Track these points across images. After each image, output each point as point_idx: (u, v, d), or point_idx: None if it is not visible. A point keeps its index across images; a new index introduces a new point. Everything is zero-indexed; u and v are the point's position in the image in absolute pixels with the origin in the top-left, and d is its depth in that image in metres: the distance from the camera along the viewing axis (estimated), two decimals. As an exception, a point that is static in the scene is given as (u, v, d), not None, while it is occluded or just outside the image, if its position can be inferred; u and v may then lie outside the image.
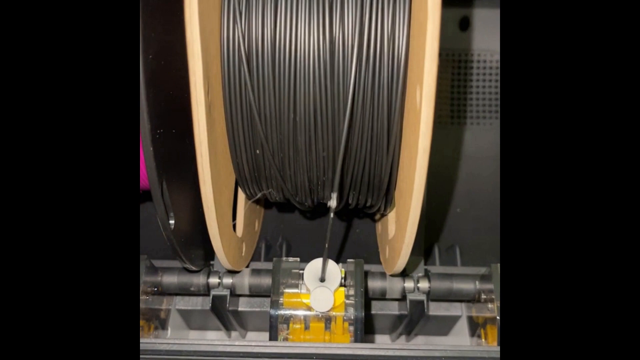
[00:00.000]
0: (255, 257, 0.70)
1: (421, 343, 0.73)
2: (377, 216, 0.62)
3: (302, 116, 0.48)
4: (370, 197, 0.56)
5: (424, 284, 0.61)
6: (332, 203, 0.46)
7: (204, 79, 0.43)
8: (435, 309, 0.66)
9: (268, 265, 0.65)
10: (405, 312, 0.63)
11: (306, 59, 0.46)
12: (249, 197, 0.60)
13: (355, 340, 0.53)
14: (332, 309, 0.53)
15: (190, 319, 0.72)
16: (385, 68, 0.46)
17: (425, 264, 0.64)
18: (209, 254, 0.65)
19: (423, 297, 0.62)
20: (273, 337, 0.54)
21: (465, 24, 0.79)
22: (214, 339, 0.73)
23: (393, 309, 0.66)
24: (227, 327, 0.71)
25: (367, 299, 0.63)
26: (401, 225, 0.48)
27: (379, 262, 0.67)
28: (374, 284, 0.62)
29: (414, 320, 0.64)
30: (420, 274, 0.62)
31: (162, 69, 0.44)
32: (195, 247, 0.59)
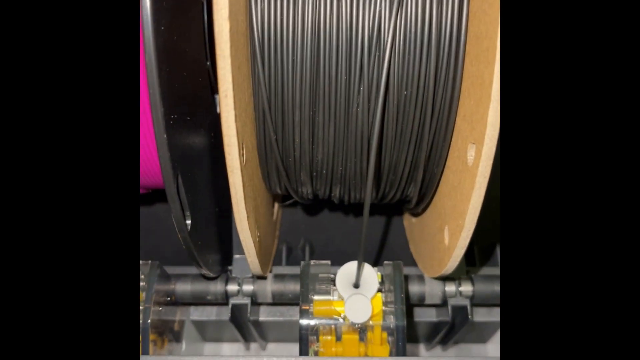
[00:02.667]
0: (276, 261, 0.64)
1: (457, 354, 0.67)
2: (417, 210, 0.56)
3: (335, 97, 0.42)
4: (407, 189, 0.50)
5: (466, 288, 0.55)
6: (367, 193, 0.40)
7: (231, 54, 0.36)
8: (476, 315, 0.60)
9: (291, 270, 0.59)
10: (447, 319, 0.56)
11: (348, 40, 0.40)
12: (272, 191, 0.54)
13: (397, 353, 0.47)
14: (370, 318, 0.47)
15: (206, 331, 0.66)
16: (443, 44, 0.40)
17: (465, 266, 0.58)
18: (227, 258, 0.59)
19: (466, 302, 0.55)
20: (304, 351, 0.48)
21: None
22: (234, 354, 0.68)
23: (431, 315, 0.60)
24: (247, 339, 0.65)
25: (408, 305, 0.57)
26: (454, 222, 0.42)
27: (411, 264, 0.61)
28: (412, 289, 0.56)
29: (455, 327, 0.57)
30: (462, 276, 0.56)
31: (175, 45, 0.38)
32: (213, 250, 0.53)
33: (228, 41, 0.33)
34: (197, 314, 0.62)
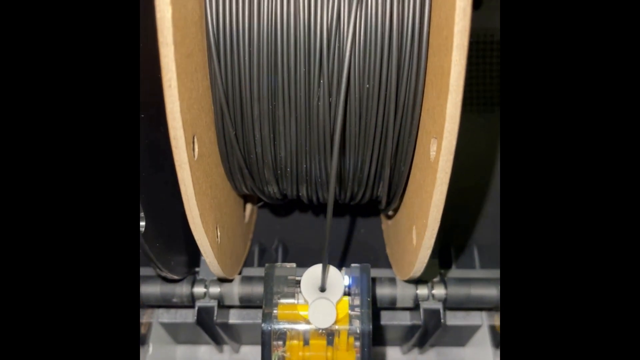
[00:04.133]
0: (247, 262, 0.62)
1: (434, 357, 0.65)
2: (389, 212, 0.54)
3: (295, 90, 0.40)
4: (377, 189, 0.48)
5: (439, 291, 0.54)
6: (330, 191, 0.38)
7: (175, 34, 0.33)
8: (452, 318, 0.58)
9: (261, 272, 0.57)
10: (419, 323, 0.55)
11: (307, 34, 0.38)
12: (239, 191, 0.52)
13: (362, 358, 0.45)
14: (335, 322, 0.45)
15: (178, 333, 0.64)
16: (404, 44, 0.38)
17: (440, 267, 0.56)
18: (193, 259, 0.57)
19: (439, 306, 0.54)
20: (266, 356, 0.46)
21: (478, 2, 0.71)
22: (208, 357, 0.66)
23: (404, 319, 0.58)
24: (218, 342, 0.63)
25: (375, 309, 0.55)
26: (420, 221, 0.40)
27: (388, 266, 0.59)
28: (382, 292, 0.54)
29: (428, 331, 0.56)
30: (435, 279, 0.54)
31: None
32: (176, 252, 0.51)
33: (170, 27, 0.31)
34: (167, 316, 0.60)
